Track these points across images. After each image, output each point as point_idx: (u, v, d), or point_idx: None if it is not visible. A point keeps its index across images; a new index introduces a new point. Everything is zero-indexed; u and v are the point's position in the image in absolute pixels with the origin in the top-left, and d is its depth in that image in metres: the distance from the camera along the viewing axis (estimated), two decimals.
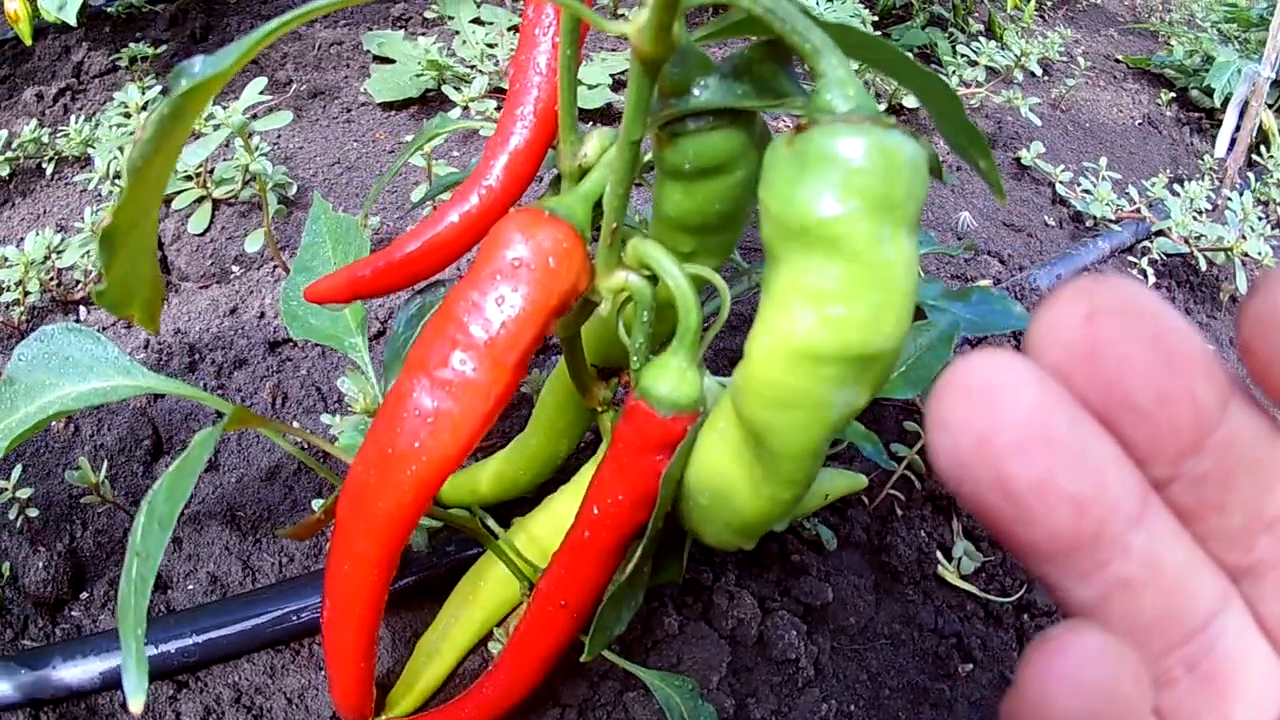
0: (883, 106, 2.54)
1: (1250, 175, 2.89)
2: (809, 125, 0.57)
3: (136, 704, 0.68)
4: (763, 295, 0.62)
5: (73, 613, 1.22)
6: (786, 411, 0.64)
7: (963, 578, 1.41)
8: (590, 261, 0.76)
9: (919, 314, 1.32)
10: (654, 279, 0.76)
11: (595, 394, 0.95)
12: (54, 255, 1.67)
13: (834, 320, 0.58)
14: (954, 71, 2.83)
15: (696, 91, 0.71)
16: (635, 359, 0.81)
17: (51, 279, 1.67)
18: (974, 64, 2.84)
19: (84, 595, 1.23)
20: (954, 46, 2.97)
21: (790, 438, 0.67)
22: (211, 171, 1.88)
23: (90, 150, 1.98)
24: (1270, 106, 3.09)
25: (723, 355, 1.64)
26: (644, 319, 0.78)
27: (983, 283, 1.99)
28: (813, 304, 0.58)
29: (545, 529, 1.08)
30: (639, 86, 0.65)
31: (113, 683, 1.11)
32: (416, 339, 0.76)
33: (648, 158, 0.83)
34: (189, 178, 1.88)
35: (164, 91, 0.75)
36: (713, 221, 0.80)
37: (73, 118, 2.07)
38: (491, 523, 1.12)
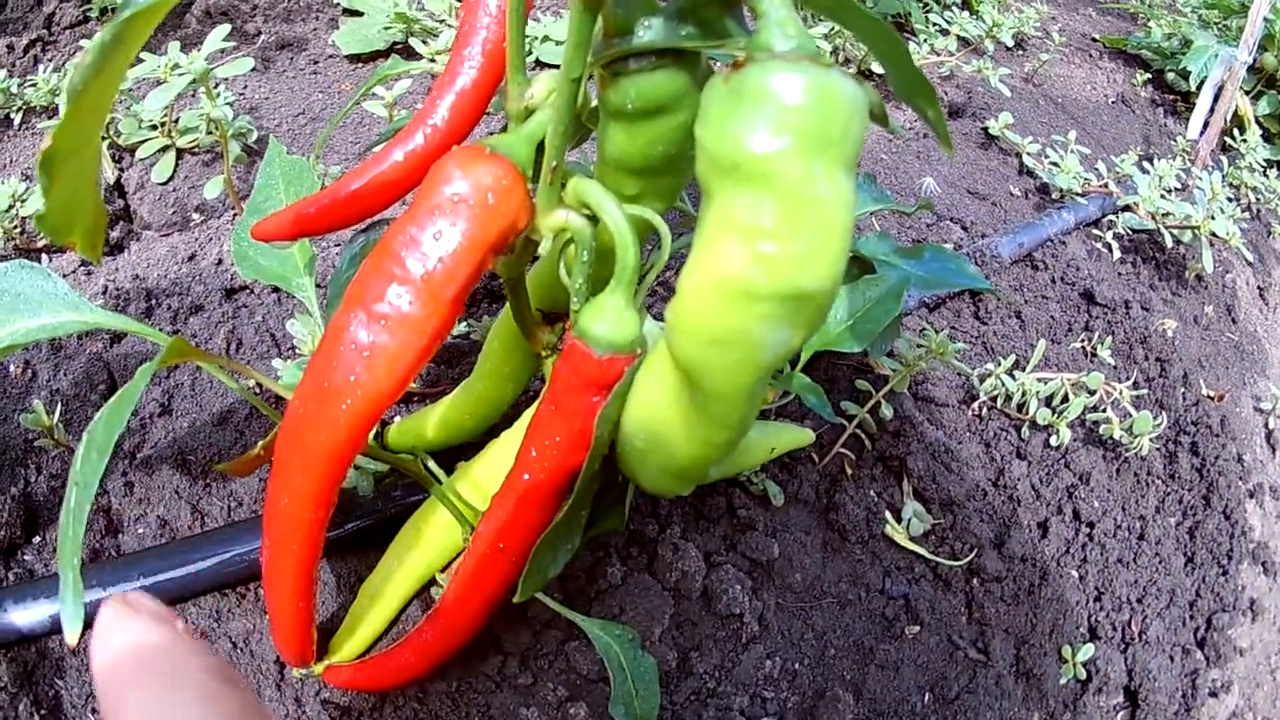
0: (851, 71, 2.53)
1: (1223, 159, 2.90)
2: (746, 62, 0.57)
3: (72, 634, 0.68)
4: (696, 232, 0.63)
5: (25, 557, 1.21)
6: (718, 350, 0.65)
7: (912, 539, 1.42)
8: (531, 200, 0.76)
9: (870, 269, 1.32)
10: (594, 219, 0.76)
11: (540, 338, 0.95)
12: (18, 204, 1.66)
13: (766, 258, 0.58)
14: (925, 40, 2.83)
15: (640, 31, 0.71)
16: (575, 300, 0.81)
17: (15, 227, 1.66)
18: (946, 33, 2.84)
19: (36, 539, 1.23)
20: (927, 16, 2.97)
21: (722, 377, 0.67)
22: (176, 121, 1.87)
23: (58, 100, 1.96)
24: (1247, 93, 3.10)
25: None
26: (584, 259, 0.78)
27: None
28: (745, 241, 0.59)
29: (487, 473, 1.08)
30: (579, 24, 0.65)
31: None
32: (356, 274, 0.76)
33: (595, 103, 0.83)
34: (154, 127, 1.87)
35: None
36: (656, 164, 0.80)
37: (42, 68, 2.05)
38: (434, 467, 1.12)
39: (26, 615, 1.10)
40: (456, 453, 1.22)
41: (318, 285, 1.18)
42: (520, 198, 0.74)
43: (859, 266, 1.33)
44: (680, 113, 0.76)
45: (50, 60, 2.22)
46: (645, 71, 0.73)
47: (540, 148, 0.75)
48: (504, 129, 0.83)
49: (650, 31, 0.71)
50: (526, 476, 0.87)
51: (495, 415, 1.17)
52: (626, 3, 0.70)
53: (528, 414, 1.08)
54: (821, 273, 0.59)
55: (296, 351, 1.24)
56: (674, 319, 0.66)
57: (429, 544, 1.12)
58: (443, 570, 1.15)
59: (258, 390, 1.35)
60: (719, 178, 0.59)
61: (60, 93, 1.96)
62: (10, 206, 1.65)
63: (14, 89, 1.99)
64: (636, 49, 0.71)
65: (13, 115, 1.99)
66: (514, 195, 0.73)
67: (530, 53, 2.21)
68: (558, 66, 0.69)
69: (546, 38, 2.21)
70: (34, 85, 1.99)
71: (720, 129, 0.57)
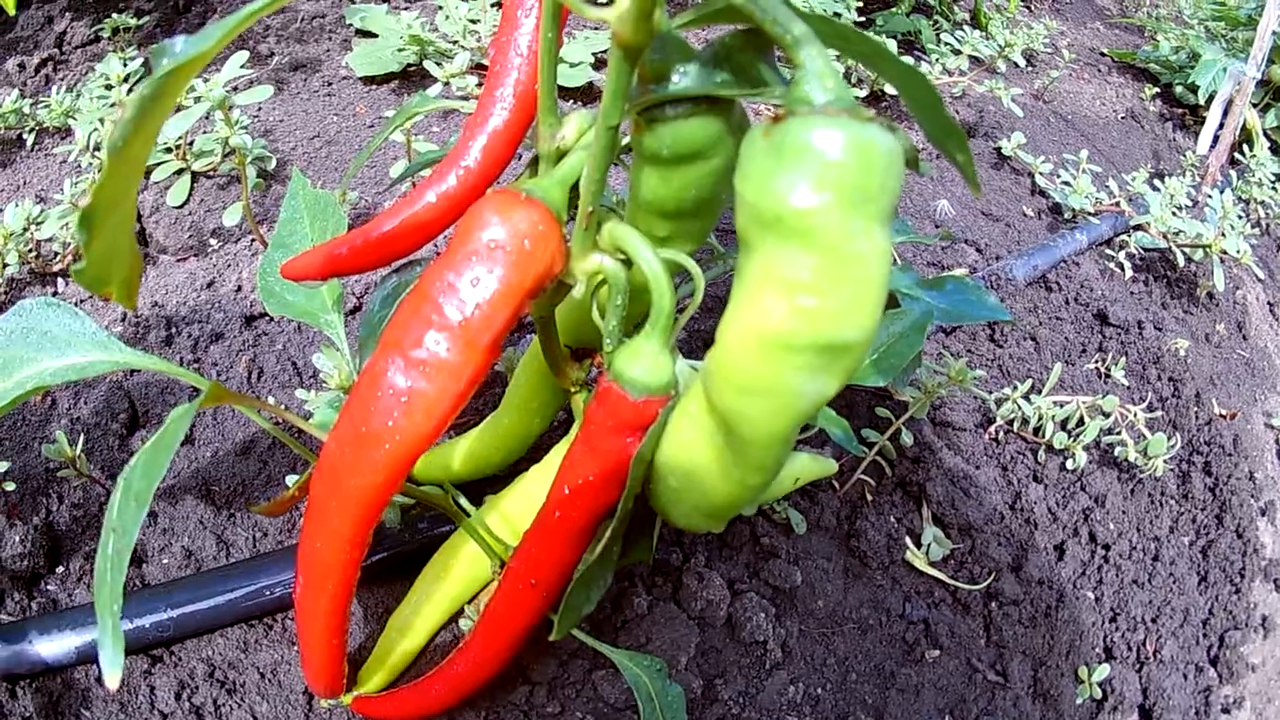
0: (864, 93, 2.54)
1: (1232, 173, 2.90)
2: (786, 116, 0.57)
3: (113, 679, 0.68)
4: (735, 283, 0.63)
5: (49, 587, 1.21)
6: (756, 399, 0.65)
7: (931, 564, 1.42)
8: (566, 244, 0.76)
9: (892, 302, 1.32)
10: (628, 262, 0.76)
11: (568, 374, 0.95)
12: (33, 227, 1.66)
13: (806, 311, 0.59)
14: (937, 60, 2.83)
15: (676, 78, 0.72)
16: (609, 341, 0.81)
17: (30, 251, 1.66)
18: (957, 53, 2.84)
19: (60, 569, 1.23)
20: (938, 35, 2.97)
21: (760, 424, 0.67)
22: (191, 144, 1.88)
23: (71, 121, 1.97)
24: (1255, 105, 3.10)
25: (698, 338, 1.65)
26: (618, 302, 0.79)
27: (958, 271, 2.00)
28: (785, 294, 0.59)
29: (516, 507, 1.09)
30: (618, 72, 0.66)
31: (88, 657, 1.11)
32: (392, 318, 0.76)
33: (626, 140, 0.83)
34: (169, 150, 1.88)
35: (146, 68, 0.74)
36: (689, 207, 0.81)
37: (54, 88, 2.06)
38: (464, 500, 1.13)
39: (52, 646, 1.10)
40: (483, 485, 1.23)
41: (345, 315, 1.18)
42: (556, 243, 0.74)
43: None
44: (715, 158, 0.77)
45: (62, 80, 2.23)
46: (681, 118, 0.74)
47: (573, 189, 0.76)
48: (534, 161, 0.84)
49: (686, 78, 0.71)
50: (558, 514, 0.87)
51: (522, 449, 1.18)
52: (663, 49, 0.71)
53: (557, 449, 1.08)
54: (859, 324, 0.60)
55: (322, 384, 1.24)
56: (713, 368, 0.67)
57: (457, 576, 1.13)
58: (470, 602, 1.16)
59: (281, 423, 1.35)
60: (760, 231, 0.59)
61: (74, 114, 1.97)
62: (25, 229, 1.65)
63: (26, 109, 2.00)
64: (672, 96, 0.72)
65: (25, 136, 1.99)
66: (550, 240, 0.74)
67: None
68: (573, 90, 0.70)
69: (561, 59, 2.21)
70: (46, 106, 2.00)
71: (761, 184, 0.58)
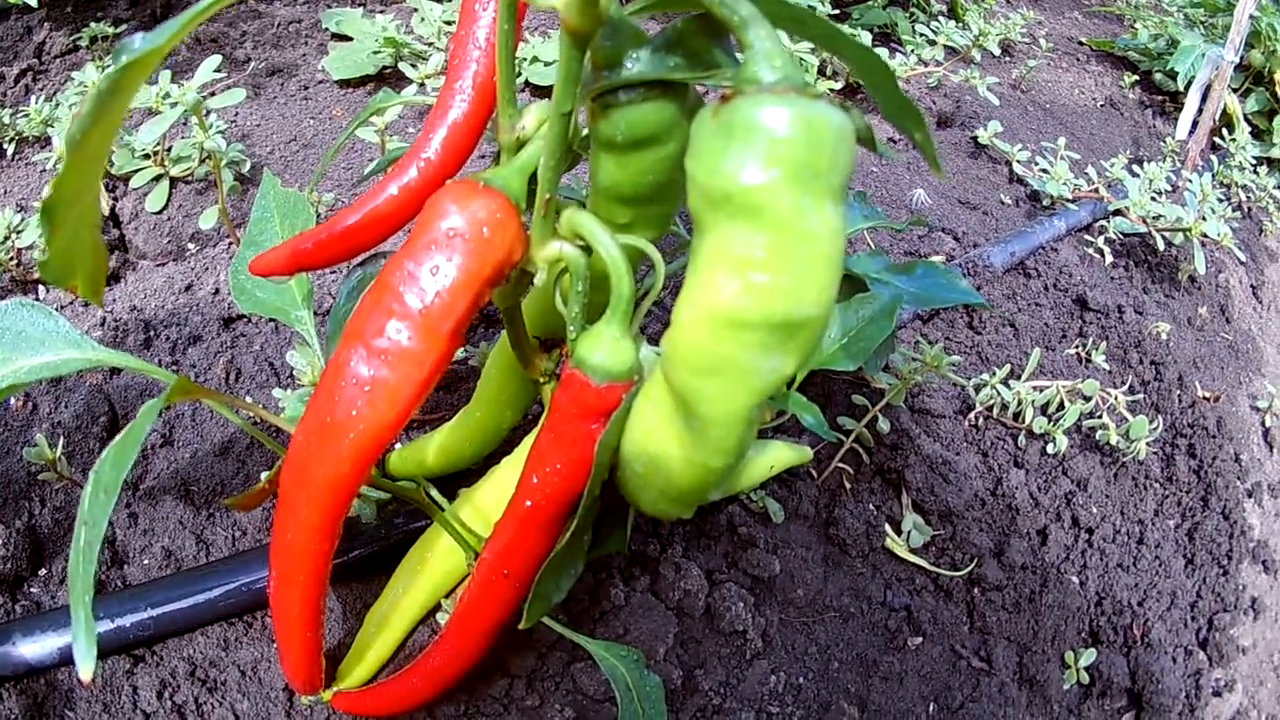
0: (840, 86, 2.54)
1: (1213, 158, 2.90)
2: (734, 95, 0.58)
3: (86, 672, 0.69)
4: (689, 263, 0.63)
5: (31, 589, 1.21)
6: (713, 378, 0.65)
7: (912, 551, 1.43)
8: (525, 232, 0.76)
9: (863, 286, 1.33)
10: (589, 249, 0.77)
11: (537, 365, 0.96)
12: (13, 235, 1.67)
13: (757, 288, 0.59)
14: (913, 50, 2.84)
15: (628, 64, 0.72)
16: (572, 329, 0.82)
17: (11, 259, 1.66)
18: (933, 43, 2.85)
19: (42, 572, 1.23)
20: (914, 26, 2.98)
21: (718, 404, 0.68)
22: (169, 150, 1.88)
23: (50, 130, 1.97)
24: (1234, 90, 3.11)
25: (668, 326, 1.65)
26: (579, 289, 0.79)
27: (935, 259, 2.00)
28: (737, 272, 0.59)
29: (489, 499, 1.09)
30: (568, 59, 0.66)
31: (71, 658, 1.11)
32: (355, 309, 0.77)
33: (586, 131, 0.83)
34: (146, 156, 1.88)
35: None
36: (647, 192, 0.81)
37: (33, 98, 2.06)
38: (437, 494, 1.13)
39: (35, 648, 1.10)
40: (457, 479, 1.23)
41: (315, 313, 1.18)
42: (515, 230, 0.75)
43: (851, 285, 1.33)
44: (670, 143, 0.77)
45: (41, 89, 2.23)
46: (634, 103, 0.74)
47: (533, 179, 0.76)
48: (497, 156, 0.84)
49: (638, 64, 0.72)
50: (529, 503, 0.87)
51: (494, 441, 1.18)
52: (614, 35, 0.71)
53: (528, 440, 1.09)
54: (811, 300, 0.60)
55: (296, 381, 1.25)
56: (669, 349, 0.67)
57: (433, 570, 1.13)
58: (447, 596, 1.16)
59: (257, 422, 1.35)
60: (711, 211, 0.60)
61: (53, 122, 1.97)
62: (6, 238, 1.65)
63: (6, 119, 2.00)
64: (625, 81, 0.72)
65: (5, 145, 1.99)
66: (508, 228, 0.74)
67: (519, 74, 2.21)
68: (546, 88, 0.70)
69: (535, 59, 2.22)
70: (26, 115, 2.00)
71: (710, 163, 0.58)
